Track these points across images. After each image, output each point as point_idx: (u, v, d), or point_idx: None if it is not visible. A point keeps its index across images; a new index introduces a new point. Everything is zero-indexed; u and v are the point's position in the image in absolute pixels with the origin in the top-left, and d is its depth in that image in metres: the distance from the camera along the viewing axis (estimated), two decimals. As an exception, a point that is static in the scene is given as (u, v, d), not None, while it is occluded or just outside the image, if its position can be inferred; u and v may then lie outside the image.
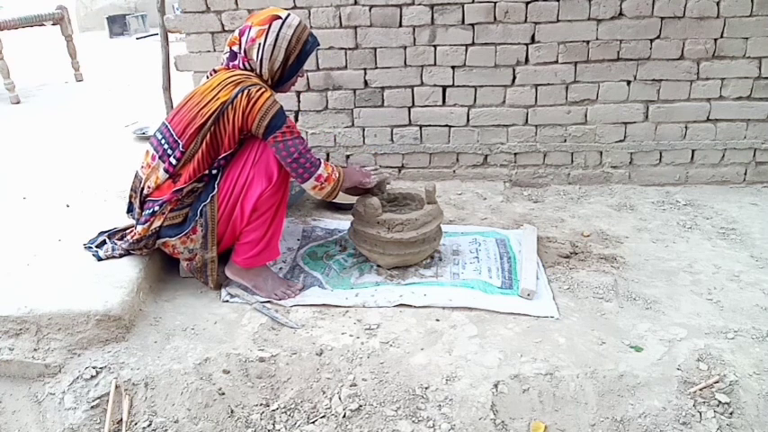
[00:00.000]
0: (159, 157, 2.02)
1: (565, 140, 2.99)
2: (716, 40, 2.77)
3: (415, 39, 2.86)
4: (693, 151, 2.97)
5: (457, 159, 3.08)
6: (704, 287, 2.15)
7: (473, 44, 2.85)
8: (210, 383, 1.73)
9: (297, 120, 3.02)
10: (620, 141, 2.97)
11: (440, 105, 2.97)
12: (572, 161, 3.03)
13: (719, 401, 1.63)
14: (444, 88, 2.94)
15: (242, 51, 2.03)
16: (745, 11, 2.72)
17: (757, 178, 2.99)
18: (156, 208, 2.01)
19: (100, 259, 2.11)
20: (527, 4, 2.77)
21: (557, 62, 2.85)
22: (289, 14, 2.05)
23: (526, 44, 2.84)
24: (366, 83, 2.96)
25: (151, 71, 4.62)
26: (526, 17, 2.79)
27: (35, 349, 1.82)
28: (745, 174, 2.99)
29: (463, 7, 2.79)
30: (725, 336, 1.87)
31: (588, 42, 2.81)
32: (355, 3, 2.81)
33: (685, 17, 2.74)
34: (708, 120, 2.91)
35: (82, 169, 3.07)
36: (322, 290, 2.18)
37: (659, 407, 1.63)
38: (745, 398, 1.64)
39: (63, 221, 2.43)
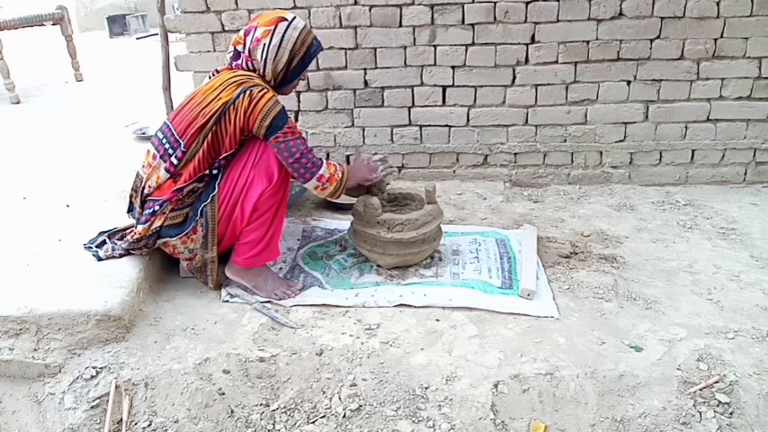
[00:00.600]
0: (160, 157, 2.02)
1: (565, 140, 2.99)
2: (716, 40, 2.77)
3: (415, 39, 2.86)
4: (693, 151, 2.97)
5: (457, 159, 3.08)
6: (704, 287, 2.15)
7: (473, 44, 2.85)
8: (210, 383, 1.73)
9: (297, 120, 3.02)
10: (620, 141, 2.97)
11: (440, 105, 2.97)
12: (572, 161, 3.03)
13: (719, 401, 1.63)
14: (444, 88, 2.95)
15: (246, 51, 2.03)
16: (745, 11, 2.72)
17: (757, 178, 2.99)
18: (157, 208, 2.01)
19: (100, 259, 2.11)
20: (527, 4, 2.77)
21: (557, 62, 2.86)
22: (295, 17, 2.06)
23: (526, 44, 2.84)
24: (366, 83, 2.96)
25: (151, 71, 4.62)
26: (526, 17, 2.79)
27: (35, 349, 1.82)
28: (745, 174, 2.99)
29: (463, 7, 2.79)
30: (725, 336, 1.87)
31: (588, 42, 2.81)
32: (355, 3, 2.81)
33: (685, 17, 2.75)
34: (708, 120, 2.91)
35: (82, 169, 3.07)
36: (322, 290, 2.18)
37: (659, 407, 1.63)
38: (745, 398, 1.64)
39: (63, 221, 2.43)
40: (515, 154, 3.04)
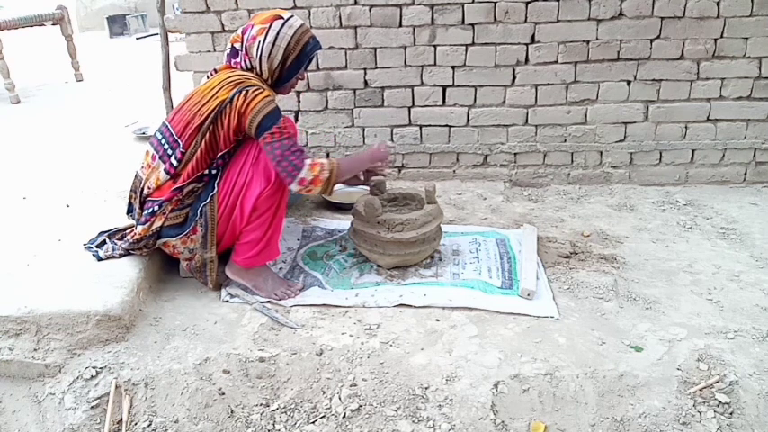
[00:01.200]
0: (159, 158, 2.02)
1: (565, 140, 2.99)
2: (716, 40, 2.77)
3: (415, 39, 2.86)
4: (693, 151, 2.97)
5: (457, 159, 3.08)
6: (704, 287, 2.15)
7: (473, 44, 2.85)
8: (210, 383, 1.73)
9: (297, 120, 3.02)
10: (620, 141, 2.97)
11: (440, 105, 2.97)
12: (572, 161, 3.03)
13: (719, 401, 1.63)
14: (444, 88, 2.95)
15: (243, 49, 2.03)
16: (745, 11, 2.72)
17: (757, 178, 2.99)
18: (156, 208, 2.02)
19: (100, 259, 2.11)
20: (527, 4, 2.77)
21: (557, 62, 2.86)
22: (292, 16, 2.05)
23: (526, 44, 2.84)
24: (366, 83, 2.96)
25: (151, 71, 4.62)
26: (526, 17, 2.79)
27: (35, 349, 1.82)
28: (745, 174, 2.99)
29: (463, 7, 2.79)
30: (725, 336, 1.87)
31: (588, 42, 2.81)
32: (355, 3, 2.81)
33: (685, 17, 2.75)
34: (708, 120, 2.91)
35: (82, 169, 3.07)
36: (322, 290, 2.18)
37: (659, 407, 1.63)
38: (745, 398, 1.64)
39: (63, 221, 2.43)
40: (515, 154, 3.04)
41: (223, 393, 1.71)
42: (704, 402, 1.64)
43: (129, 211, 2.17)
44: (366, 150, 2.23)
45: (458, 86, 2.93)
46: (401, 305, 2.07)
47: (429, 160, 3.09)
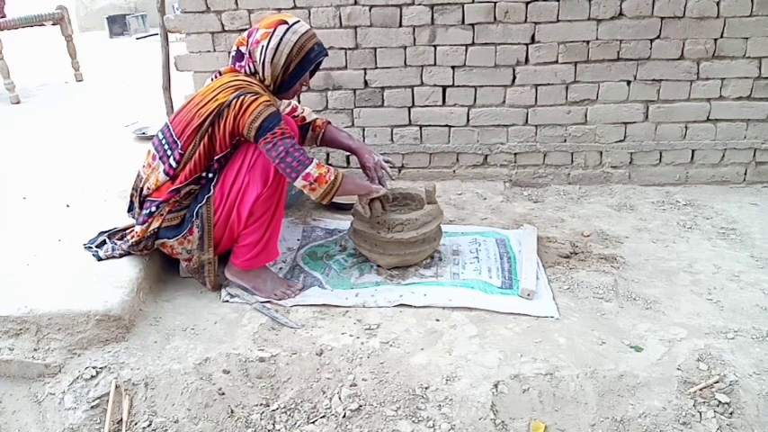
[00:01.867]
0: (159, 158, 2.02)
1: (565, 140, 2.99)
2: (716, 40, 2.77)
3: (415, 39, 2.86)
4: (693, 151, 2.97)
5: (457, 159, 3.08)
6: (704, 287, 2.15)
7: (473, 44, 2.85)
8: (210, 383, 1.73)
9: (297, 120, 3.02)
10: (620, 141, 2.97)
11: (440, 105, 2.97)
12: (572, 161, 3.03)
13: (719, 401, 1.63)
14: (444, 88, 2.95)
15: (248, 52, 2.02)
16: (745, 11, 2.72)
17: (757, 178, 2.99)
18: (154, 209, 2.02)
19: (100, 259, 2.11)
20: (527, 4, 2.77)
21: (557, 62, 2.86)
22: (298, 21, 2.03)
23: (526, 44, 2.84)
24: (366, 83, 2.96)
25: (151, 71, 4.62)
26: (526, 17, 2.79)
27: (35, 349, 1.82)
28: (745, 174, 2.99)
29: (463, 7, 2.79)
30: (725, 336, 1.87)
31: (588, 42, 2.81)
32: (355, 3, 2.81)
33: (685, 17, 2.75)
34: (708, 120, 2.91)
35: (82, 169, 3.07)
36: (322, 290, 2.18)
37: (659, 407, 1.63)
38: (745, 398, 1.64)
39: (63, 221, 2.43)
40: (515, 154, 3.04)
41: (223, 393, 1.71)
42: (704, 402, 1.64)
43: (130, 209, 2.17)
44: (367, 183, 2.21)
45: (458, 86, 2.93)
46: (401, 305, 2.07)
47: (429, 160, 3.09)
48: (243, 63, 2.05)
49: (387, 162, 2.35)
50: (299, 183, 1.96)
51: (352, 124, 3.03)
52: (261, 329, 1.96)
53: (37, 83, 5.48)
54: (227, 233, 2.06)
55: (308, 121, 2.38)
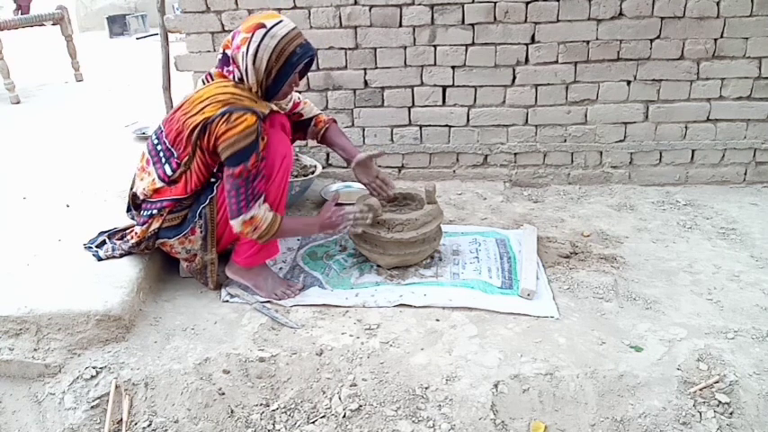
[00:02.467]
0: (153, 164, 2.00)
1: (565, 140, 2.99)
2: (716, 40, 2.77)
3: (415, 39, 2.86)
4: (693, 151, 2.97)
5: (457, 159, 3.08)
6: (704, 287, 2.15)
7: (473, 44, 2.85)
8: (210, 383, 1.73)
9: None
10: (620, 141, 2.97)
11: (440, 105, 2.98)
12: (572, 161, 3.04)
13: (719, 401, 1.63)
14: (444, 88, 2.95)
15: (231, 57, 1.95)
16: (745, 11, 2.72)
17: (757, 178, 2.99)
18: (155, 211, 2.01)
19: (100, 259, 2.11)
20: (527, 4, 2.77)
21: (557, 62, 2.86)
22: (278, 23, 1.90)
23: (526, 44, 2.84)
24: (366, 83, 2.96)
25: (151, 71, 4.62)
26: (526, 17, 2.79)
27: (35, 349, 1.82)
28: (745, 174, 2.99)
29: (463, 7, 2.79)
30: (725, 336, 1.87)
31: (588, 42, 2.81)
32: (355, 3, 2.81)
33: (685, 17, 2.75)
34: (708, 120, 2.91)
35: (82, 169, 3.07)
36: (322, 290, 2.18)
37: (659, 407, 1.63)
38: (745, 398, 1.64)
39: (63, 221, 2.43)
40: (515, 154, 3.04)
41: (223, 393, 1.71)
42: (704, 402, 1.64)
43: (129, 209, 2.17)
44: (318, 217, 2.15)
45: (458, 86, 2.93)
46: (401, 305, 2.07)
47: (429, 160, 3.09)
48: (230, 68, 1.97)
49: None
50: (236, 222, 1.92)
51: (352, 124, 3.03)
52: (261, 329, 1.96)
53: (37, 83, 5.47)
54: (228, 229, 2.06)
55: (307, 117, 2.35)
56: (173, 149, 1.96)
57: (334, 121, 2.39)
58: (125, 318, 1.90)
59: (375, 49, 2.89)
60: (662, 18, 2.76)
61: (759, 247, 2.42)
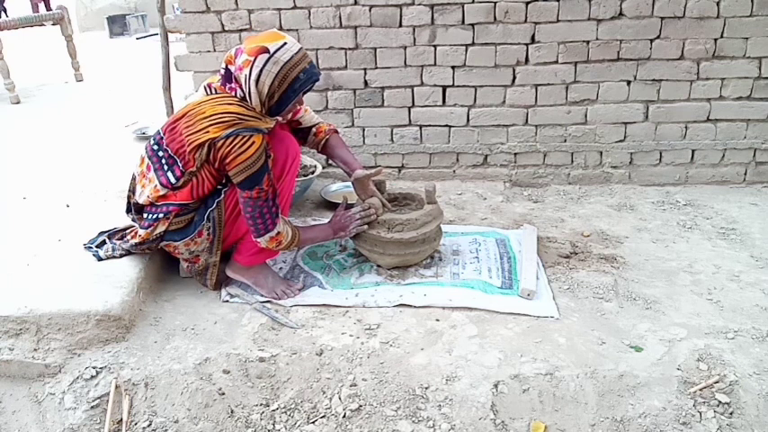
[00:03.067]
0: (155, 170, 1.98)
1: (565, 140, 2.99)
2: (716, 40, 2.77)
3: (415, 39, 2.86)
4: (693, 151, 2.97)
5: (457, 159, 3.08)
6: (704, 287, 2.15)
7: (473, 44, 2.85)
8: (210, 383, 1.73)
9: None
10: (620, 141, 2.97)
11: (440, 105, 2.98)
12: (572, 161, 3.04)
13: (719, 401, 1.63)
14: (444, 88, 2.95)
15: (234, 76, 1.92)
16: (745, 11, 2.72)
17: (757, 178, 2.99)
18: (161, 215, 1.99)
19: (100, 259, 2.11)
20: (527, 4, 2.77)
21: (557, 62, 2.86)
22: (282, 46, 1.87)
23: (526, 44, 2.84)
24: (366, 83, 2.96)
25: (151, 71, 4.62)
26: (526, 17, 2.79)
27: (35, 349, 1.82)
28: (745, 174, 2.99)
29: (463, 7, 2.79)
30: (725, 336, 1.87)
31: (588, 42, 2.81)
32: (355, 3, 2.81)
33: (685, 17, 2.75)
34: (708, 120, 2.91)
35: (82, 169, 3.07)
36: (322, 290, 2.18)
37: (659, 407, 1.63)
38: (745, 398, 1.64)
39: (63, 221, 2.43)
40: (515, 154, 3.04)
41: (223, 393, 1.71)
42: (704, 402, 1.64)
43: (129, 210, 2.16)
44: (329, 223, 2.20)
45: (458, 86, 2.93)
46: (401, 305, 2.07)
47: (429, 160, 3.09)
48: (233, 86, 1.94)
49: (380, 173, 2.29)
50: (263, 239, 1.98)
51: (352, 124, 3.03)
52: (261, 329, 1.96)
53: (37, 83, 5.48)
54: (234, 230, 2.06)
55: (306, 125, 2.31)
56: (176, 158, 1.93)
57: (336, 131, 2.36)
58: (125, 318, 1.90)
59: (375, 49, 2.89)
60: (662, 18, 2.76)
61: (759, 247, 2.42)
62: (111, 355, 1.82)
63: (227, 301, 2.12)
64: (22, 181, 2.94)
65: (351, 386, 1.72)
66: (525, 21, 2.79)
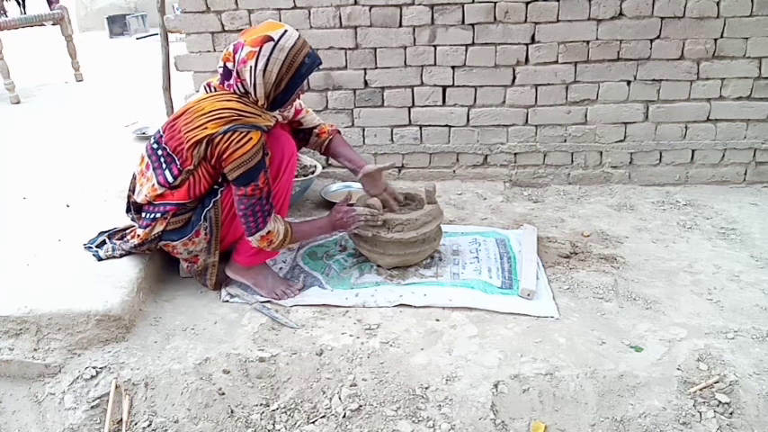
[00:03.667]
0: (153, 169, 1.99)
1: (565, 140, 2.99)
2: (716, 40, 2.77)
3: (415, 39, 2.86)
4: (693, 151, 2.97)
5: (457, 159, 3.08)
6: (704, 287, 2.15)
7: (473, 44, 2.85)
8: (210, 383, 1.73)
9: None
10: (620, 141, 2.97)
11: (440, 105, 2.98)
12: (572, 161, 3.04)
13: (719, 401, 1.63)
14: (444, 88, 2.95)
15: (235, 71, 1.92)
16: (745, 11, 2.72)
17: (757, 178, 2.99)
18: (158, 214, 2.00)
19: (100, 259, 2.11)
20: (527, 4, 2.77)
21: (557, 62, 2.86)
22: (284, 33, 1.88)
23: (526, 44, 2.84)
24: (366, 83, 2.96)
25: (151, 71, 4.62)
26: (526, 17, 2.79)
27: (35, 349, 1.82)
28: (745, 174, 2.99)
29: (463, 7, 2.79)
30: (725, 336, 1.87)
31: (588, 42, 2.81)
32: (355, 3, 2.81)
33: (685, 17, 2.75)
34: (708, 120, 2.91)
35: (82, 169, 3.07)
36: (322, 290, 2.18)
37: (659, 407, 1.63)
38: (745, 398, 1.64)
39: (63, 221, 2.43)
40: (515, 154, 3.04)
41: (223, 393, 1.71)
42: (704, 402, 1.64)
43: (129, 209, 2.17)
44: (326, 218, 2.20)
45: (458, 86, 2.93)
46: (401, 305, 2.07)
47: (429, 160, 3.09)
48: (231, 82, 1.94)
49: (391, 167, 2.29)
50: (254, 239, 1.98)
51: (352, 124, 3.03)
52: (261, 329, 1.96)
53: (37, 83, 5.48)
54: (231, 230, 2.06)
55: (308, 126, 2.31)
56: (174, 156, 1.94)
57: (338, 132, 2.37)
58: (125, 318, 1.90)
59: (375, 49, 2.89)
60: (662, 18, 2.76)
61: (759, 247, 2.42)
62: (111, 355, 1.82)
63: (227, 301, 2.12)
64: (22, 181, 2.94)
65: (351, 386, 1.72)
66: (525, 21, 2.79)
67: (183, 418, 1.66)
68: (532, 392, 1.69)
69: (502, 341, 1.88)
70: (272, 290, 2.12)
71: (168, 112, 3.20)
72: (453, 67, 2.90)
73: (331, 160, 3.08)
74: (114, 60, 6.77)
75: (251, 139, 1.85)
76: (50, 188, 2.81)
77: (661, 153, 2.98)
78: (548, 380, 1.72)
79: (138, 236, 2.06)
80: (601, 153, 3.01)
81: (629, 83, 2.88)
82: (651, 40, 2.79)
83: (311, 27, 2.86)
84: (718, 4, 2.71)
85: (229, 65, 1.93)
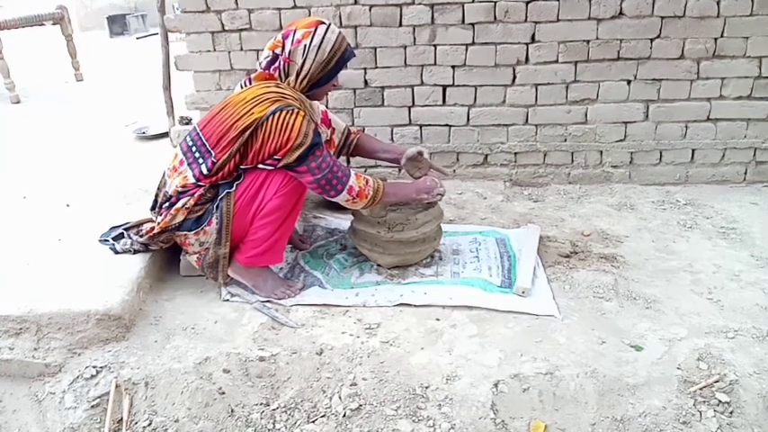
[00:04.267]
0: (188, 164, 2.01)
1: (565, 140, 2.99)
2: (716, 39, 2.77)
3: (415, 38, 2.86)
4: (693, 151, 2.97)
5: (457, 159, 3.08)
6: (704, 286, 2.15)
7: (473, 44, 2.85)
8: (211, 383, 1.73)
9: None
10: (621, 141, 2.97)
11: (440, 105, 2.98)
12: (572, 161, 3.04)
13: (719, 401, 1.63)
14: (444, 88, 2.95)
15: (286, 53, 2.00)
16: (745, 10, 2.72)
17: (757, 178, 2.99)
18: (180, 204, 2.01)
19: (117, 252, 2.14)
20: (527, 3, 2.77)
21: (557, 62, 2.86)
22: (331, 23, 2.06)
23: (526, 44, 2.84)
24: (366, 82, 2.96)
25: (151, 71, 4.62)
26: (526, 17, 2.79)
27: (35, 349, 1.82)
28: (746, 173, 2.99)
29: (463, 7, 2.79)
30: (725, 335, 1.87)
31: (588, 42, 2.81)
32: (355, 2, 2.81)
33: (685, 17, 2.75)
34: (708, 119, 2.91)
35: (82, 169, 3.07)
36: (322, 289, 2.18)
37: (659, 406, 1.63)
38: (745, 397, 1.64)
39: (63, 221, 2.43)
40: (515, 153, 3.04)
41: (223, 393, 1.71)
42: (704, 402, 1.64)
43: (154, 207, 2.17)
44: (412, 184, 2.24)
45: (458, 86, 2.93)
46: (401, 304, 2.07)
47: (429, 160, 3.08)
48: (276, 65, 2.03)
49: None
50: (343, 196, 2.02)
51: (353, 124, 3.03)
52: (261, 329, 1.96)
53: (37, 83, 5.48)
54: (242, 225, 2.05)
55: (339, 128, 2.39)
56: (212, 151, 1.97)
57: (362, 131, 2.46)
58: (125, 317, 1.90)
59: (375, 48, 2.89)
60: (662, 17, 2.76)
61: (759, 246, 2.42)
62: (112, 354, 1.82)
63: (228, 300, 2.12)
64: (23, 180, 2.94)
65: (351, 385, 1.72)
66: (525, 20, 2.79)
67: (183, 417, 1.66)
68: (532, 392, 1.69)
69: (502, 340, 1.88)
70: (271, 292, 2.12)
71: (168, 111, 3.21)
72: (453, 67, 2.90)
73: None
74: (114, 60, 6.77)
75: (299, 114, 1.92)
76: (50, 188, 2.81)
77: (661, 152, 2.98)
78: (548, 379, 1.72)
79: (159, 224, 2.06)
80: (601, 152, 3.01)
81: (629, 82, 2.88)
82: (651, 40, 2.80)
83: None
84: (718, 3, 2.71)
85: (278, 51, 2.03)
